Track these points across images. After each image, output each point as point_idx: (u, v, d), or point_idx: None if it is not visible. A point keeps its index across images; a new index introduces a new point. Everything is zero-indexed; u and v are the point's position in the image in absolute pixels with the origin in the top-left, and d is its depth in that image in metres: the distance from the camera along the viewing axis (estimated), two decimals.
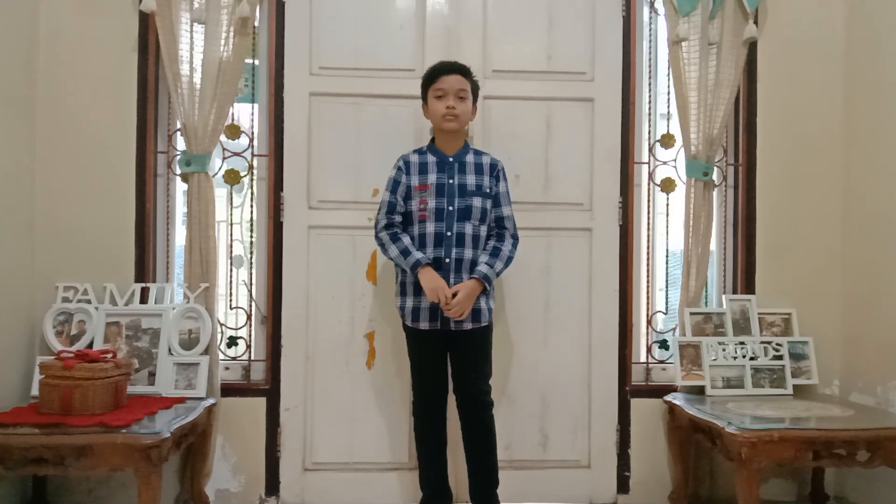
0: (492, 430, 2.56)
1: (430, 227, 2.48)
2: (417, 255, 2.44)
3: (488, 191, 2.55)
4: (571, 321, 2.92)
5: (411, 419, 2.79)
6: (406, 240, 2.48)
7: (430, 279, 2.42)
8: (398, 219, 2.52)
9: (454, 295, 2.40)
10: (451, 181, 2.52)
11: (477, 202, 2.51)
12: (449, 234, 2.47)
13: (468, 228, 2.49)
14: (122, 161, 2.79)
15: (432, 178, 2.52)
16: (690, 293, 2.91)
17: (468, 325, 2.48)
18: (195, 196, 2.75)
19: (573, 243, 2.92)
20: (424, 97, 2.58)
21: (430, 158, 2.56)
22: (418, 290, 2.47)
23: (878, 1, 2.83)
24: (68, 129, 2.78)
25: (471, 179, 2.53)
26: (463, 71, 2.53)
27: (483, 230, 2.53)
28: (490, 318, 2.54)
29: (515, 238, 2.59)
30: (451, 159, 2.55)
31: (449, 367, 2.57)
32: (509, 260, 2.54)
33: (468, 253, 2.48)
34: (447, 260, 2.46)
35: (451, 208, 2.49)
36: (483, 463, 2.55)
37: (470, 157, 2.57)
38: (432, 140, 2.61)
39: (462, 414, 2.55)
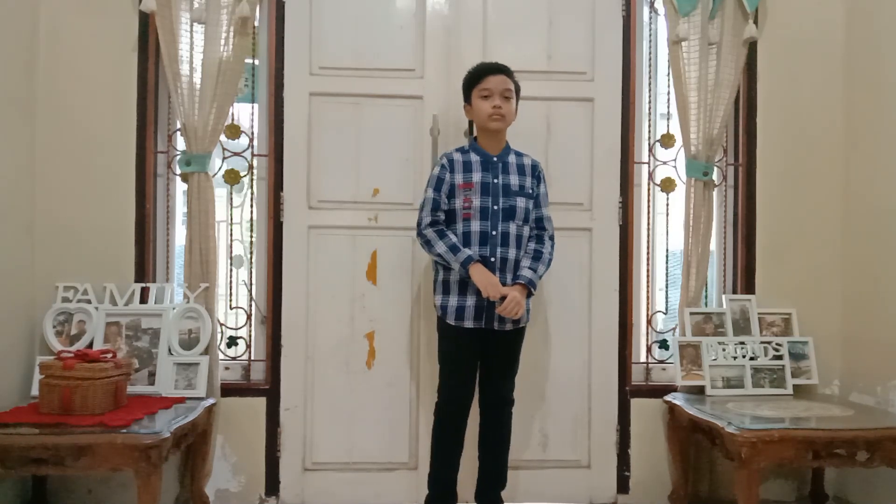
0: (509, 427, 2.59)
1: (476, 226, 2.48)
2: (468, 251, 2.43)
3: (531, 192, 2.56)
4: (571, 321, 2.92)
5: (411, 418, 2.80)
6: (453, 237, 2.47)
7: (483, 275, 2.42)
8: (442, 217, 2.51)
9: (502, 296, 2.41)
10: (495, 181, 2.52)
11: (521, 202, 2.52)
12: (494, 233, 2.48)
13: (512, 228, 2.50)
14: (122, 161, 2.80)
15: (477, 176, 2.51)
16: (690, 293, 2.91)
17: (509, 326, 2.49)
18: (195, 196, 2.75)
19: (573, 243, 2.92)
20: (468, 98, 2.57)
21: (474, 157, 2.55)
22: (463, 289, 2.48)
23: (878, 1, 2.83)
24: (68, 129, 2.78)
25: (514, 180, 2.54)
26: (507, 71, 2.54)
27: (526, 230, 2.55)
28: (528, 319, 2.56)
29: (553, 239, 2.60)
30: (494, 159, 2.55)
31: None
32: (549, 262, 2.56)
33: (512, 252, 2.49)
34: (492, 259, 2.46)
35: (495, 207, 2.49)
36: (496, 461, 2.57)
37: (512, 158, 2.58)
38: (475, 139, 2.61)
39: (484, 410, 2.58)
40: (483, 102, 2.51)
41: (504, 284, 2.45)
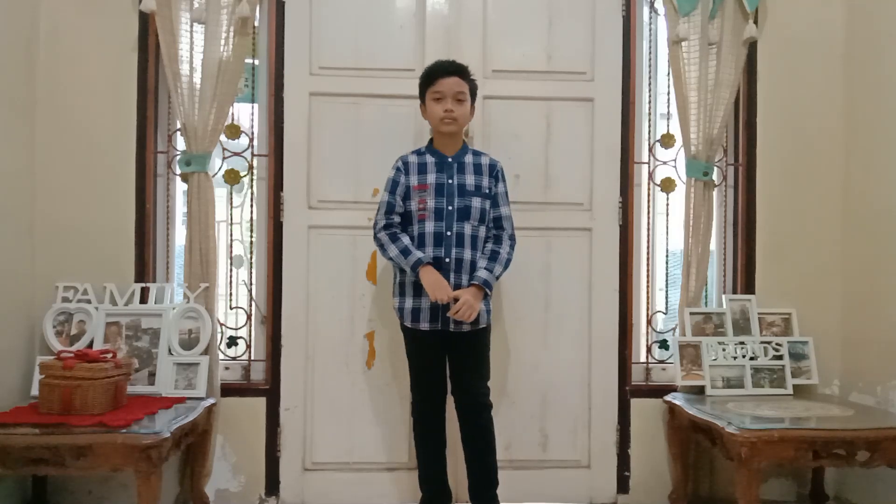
0: (491, 432, 2.55)
1: (430, 227, 2.48)
2: (418, 254, 2.43)
3: (487, 191, 2.54)
4: (571, 321, 2.92)
5: (411, 419, 2.79)
6: (405, 239, 2.48)
7: (432, 278, 2.41)
8: (397, 219, 2.52)
9: (455, 298, 2.40)
10: (450, 181, 2.51)
11: (476, 202, 2.51)
12: (448, 233, 2.47)
13: (467, 229, 2.49)
14: (122, 161, 2.80)
15: (431, 177, 2.51)
16: (690, 293, 2.91)
17: (466, 327, 2.47)
18: (195, 196, 2.75)
19: (573, 243, 2.92)
20: (422, 98, 2.56)
21: (430, 159, 2.55)
22: (418, 291, 2.47)
23: (878, 1, 2.83)
24: (68, 129, 2.78)
25: (470, 180, 2.53)
26: (461, 72, 2.52)
27: (482, 231, 2.53)
28: (488, 321, 2.54)
29: (513, 239, 2.58)
30: (449, 160, 2.54)
31: (447, 368, 2.57)
32: (507, 262, 2.54)
33: (468, 253, 2.48)
34: (447, 260, 2.46)
35: (450, 208, 2.49)
36: (482, 464, 2.54)
37: (469, 158, 2.57)
38: (431, 141, 2.61)
39: (461, 416, 2.54)
40: (435, 105, 2.49)
41: (460, 285, 2.44)
